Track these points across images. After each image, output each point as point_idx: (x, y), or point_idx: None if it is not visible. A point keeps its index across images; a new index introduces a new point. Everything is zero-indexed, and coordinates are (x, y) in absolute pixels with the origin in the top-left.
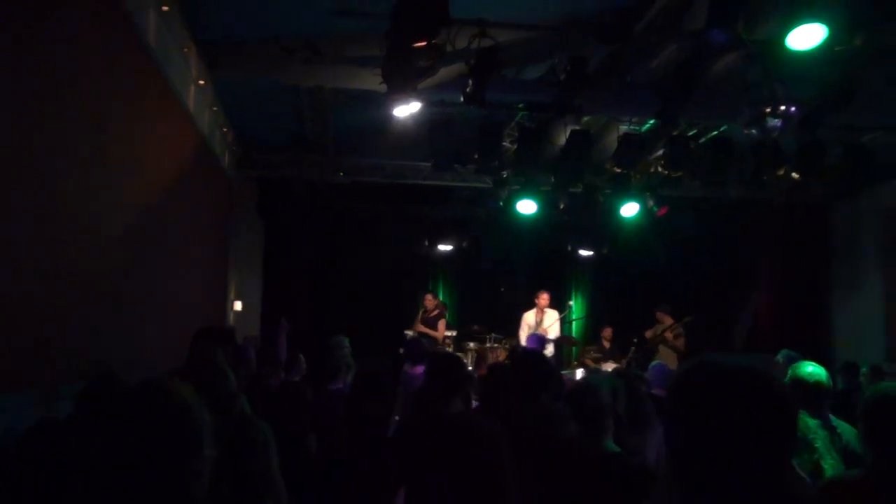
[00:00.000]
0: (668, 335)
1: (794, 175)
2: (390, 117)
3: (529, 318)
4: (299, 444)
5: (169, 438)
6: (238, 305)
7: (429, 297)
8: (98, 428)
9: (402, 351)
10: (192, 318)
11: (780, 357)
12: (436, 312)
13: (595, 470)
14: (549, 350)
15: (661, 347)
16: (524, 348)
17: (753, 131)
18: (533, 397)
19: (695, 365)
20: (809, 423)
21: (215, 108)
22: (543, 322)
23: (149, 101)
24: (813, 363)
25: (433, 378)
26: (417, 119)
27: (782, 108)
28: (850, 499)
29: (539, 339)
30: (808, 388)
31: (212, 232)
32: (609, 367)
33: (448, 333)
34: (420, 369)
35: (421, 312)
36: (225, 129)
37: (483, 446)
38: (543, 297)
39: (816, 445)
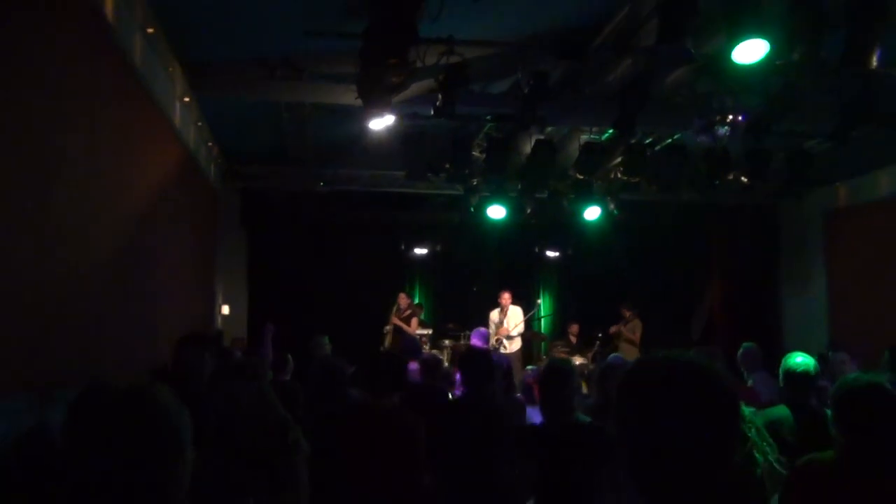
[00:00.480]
0: (623, 329)
1: (743, 179)
2: (366, 130)
3: (494, 316)
4: None
5: (154, 443)
6: (226, 310)
7: (402, 295)
8: (87, 434)
9: (382, 348)
10: (181, 323)
11: (741, 349)
12: (408, 312)
13: (565, 439)
14: (517, 344)
15: (621, 343)
16: (468, 347)
17: (704, 139)
18: (477, 389)
19: (640, 360)
20: (745, 412)
21: (200, 124)
22: (507, 320)
23: (137, 119)
24: (803, 354)
25: (372, 376)
26: (392, 131)
27: (730, 117)
28: (823, 475)
29: (482, 336)
30: (797, 377)
31: (199, 241)
32: (576, 360)
33: (422, 332)
34: (413, 366)
35: (394, 309)
36: (210, 144)
37: (401, 438)
38: (505, 297)
39: (749, 434)
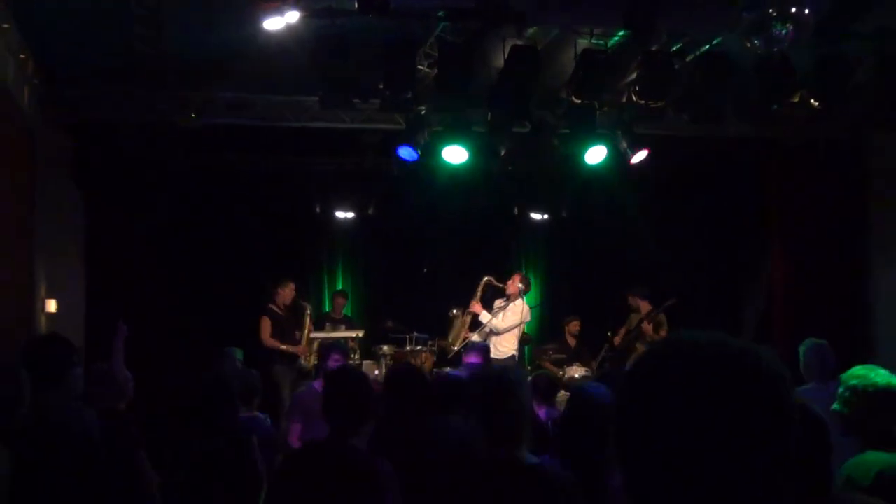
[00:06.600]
0: (646, 327)
1: (813, 102)
2: (259, 33)
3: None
4: None
5: None
6: (52, 306)
7: (290, 286)
8: None
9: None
10: None
11: (802, 348)
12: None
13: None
14: (508, 346)
15: (639, 345)
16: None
17: (756, 43)
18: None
19: (655, 346)
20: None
21: (6, 26)
22: (505, 312)
23: None
24: (875, 367)
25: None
26: (297, 36)
27: (793, 9)
28: None
29: (483, 350)
30: (884, 398)
31: (4, 204)
32: (575, 371)
33: (347, 334)
34: None
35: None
36: (22, 56)
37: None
38: (515, 282)
39: None
